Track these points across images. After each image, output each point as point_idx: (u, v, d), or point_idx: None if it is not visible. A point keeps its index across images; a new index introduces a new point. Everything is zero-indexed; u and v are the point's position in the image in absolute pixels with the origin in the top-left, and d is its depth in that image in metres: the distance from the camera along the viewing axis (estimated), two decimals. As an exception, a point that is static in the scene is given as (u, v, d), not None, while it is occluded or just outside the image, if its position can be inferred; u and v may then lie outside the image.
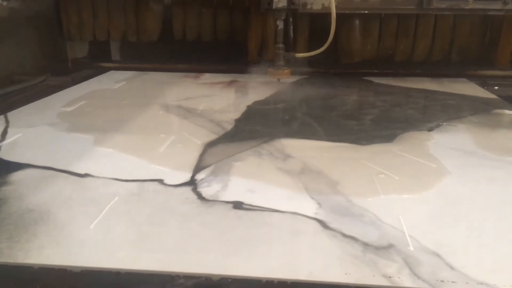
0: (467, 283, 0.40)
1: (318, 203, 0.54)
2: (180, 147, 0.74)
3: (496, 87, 1.24)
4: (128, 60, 1.57)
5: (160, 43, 1.46)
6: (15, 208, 0.53)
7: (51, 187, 0.58)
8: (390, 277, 0.40)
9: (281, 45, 1.17)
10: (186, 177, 0.62)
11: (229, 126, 0.85)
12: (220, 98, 1.09)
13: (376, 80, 1.31)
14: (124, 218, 0.51)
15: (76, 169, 0.64)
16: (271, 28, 1.33)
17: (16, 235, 0.47)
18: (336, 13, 1.09)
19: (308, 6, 1.18)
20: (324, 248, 0.45)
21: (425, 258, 0.43)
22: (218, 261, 0.43)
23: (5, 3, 1.14)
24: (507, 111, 0.96)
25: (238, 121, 0.89)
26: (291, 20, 1.27)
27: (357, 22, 1.31)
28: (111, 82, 1.27)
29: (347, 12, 1.19)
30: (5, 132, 0.81)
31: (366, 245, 0.45)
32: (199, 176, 0.62)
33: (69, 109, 0.98)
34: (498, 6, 1.13)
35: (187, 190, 0.58)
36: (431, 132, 0.82)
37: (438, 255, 0.43)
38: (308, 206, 0.53)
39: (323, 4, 1.17)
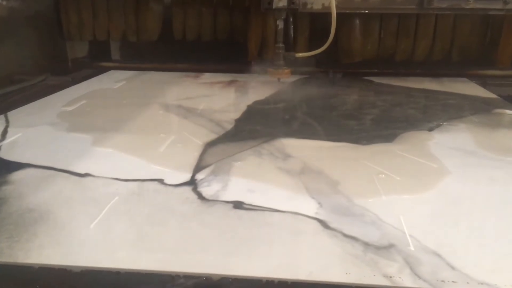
0: (467, 283, 0.40)
1: (319, 203, 0.54)
2: (180, 146, 0.74)
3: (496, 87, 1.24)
4: (128, 59, 1.57)
5: (160, 43, 1.46)
6: (15, 208, 0.53)
7: (51, 187, 0.58)
8: (390, 277, 0.40)
9: (281, 45, 1.17)
10: (186, 176, 0.62)
11: (229, 126, 0.85)
12: (220, 98, 1.09)
13: (377, 79, 1.31)
14: (124, 218, 0.51)
15: (76, 169, 0.64)
16: (271, 27, 1.33)
17: (16, 235, 0.47)
18: (337, 13, 1.09)
19: (308, 6, 1.18)
20: (325, 248, 0.45)
21: (426, 258, 0.43)
22: (218, 261, 0.43)
23: (4, 3, 1.14)
24: (507, 111, 0.96)
25: (238, 120, 0.89)
26: (291, 19, 1.26)
27: (357, 21, 1.31)
28: (111, 82, 1.27)
29: (347, 11, 1.19)
30: (5, 131, 0.81)
31: (366, 245, 0.45)
32: (199, 176, 0.62)
33: (69, 108, 0.98)
34: (498, 5, 1.13)
35: (187, 190, 0.58)
36: (431, 132, 0.82)
37: (438, 255, 0.43)
38: (309, 206, 0.53)
39: (323, 4, 1.17)
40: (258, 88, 1.20)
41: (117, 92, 1.16)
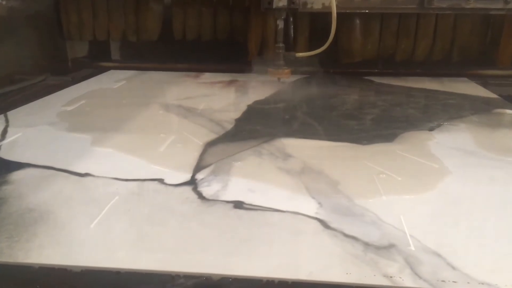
0: (468, 283, 0.40)
1: (319, 203, 0.54)
2: (180, 146, 0.74)
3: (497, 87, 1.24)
4: (128, 59, 1.56)
5: (160, 43, 1.45)
6: (15, 208, 0.53)
7: (51, 187, 0.58)
8: (391, 277, 0.40)
9: (281, 45, 1.17)
10: (186, 176, 0.62)
11: (229, 126, 0.85)
12: (220, 98, 1.09)
13: (377, 79, 1.31)
14: (124, 218, 0.51)
15: (76, 169, 0.64)
16: (271, 27, 1.33)
17: (16, 235, 0.47)
18: (337, 13, 1.09)
19: (309, 6, 1.18)
20: (325, 247, 0.45)
21: (426, 258, 0.43)
22: (218, 260, 0.43)
23: (4, 2, 1.14)
24: (508, 111, 0.96)
25: (238, 120, 0.89)
26: (291, 19, 1.26)
27: (357, 21, 1.31)
28: (111, 82, 1.27)
29: (347, 11, 1.18)
30: (5, 131, 0.81)
31: (367, 244, 0.45)
32: (199, 175, 0.62)
33: (69, 108, 0.98)
34: (499, 5, 1.13)
35: (187, 189, 0.58)
36: (432, 132, 0.82)
37: (439, 255, 0.43)
38: (309, 206, 0.53)
39: (323, 4, 1.17)
40: (258, 88, 1.20)
41: (117, 92, 1.16)
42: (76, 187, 0.58)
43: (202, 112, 0.94)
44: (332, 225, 0.49)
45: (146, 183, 0.59)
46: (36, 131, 0.81)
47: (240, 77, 1.33)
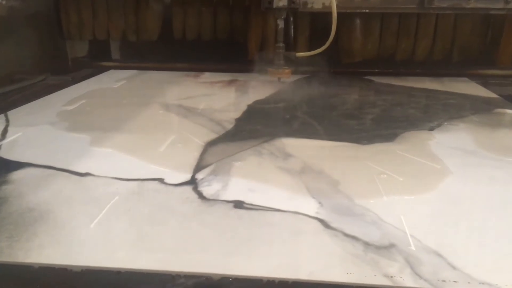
0: (468, 282, 0.40)
1: (319, 203, 0.54)
2: (180, 146, 0.74)
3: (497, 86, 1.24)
4: (128, 59, 1.56)
5: (160, 42, 1.45)
6: (15, 207, 0.53)
7: (52, 186, 0.58)
8: (391, 276, 0.40)
9: (281, 44, 1.17)
10: (187, 176, 0.61)
11: (229, 125, 0.85)
12: (221, 97, 1.09)
13: (377, 79, 1.31)
14: (124, 217, 0.51)
15: (77, 168, 0.64)
16: (271, 27, 1.33)
17: (16, 234, 0.47)
18: (337, 12, 1.09)
19: (309, 5, 1.18)
20: (325, 247, 0.45)
21: (427, 258, 0.43)
22: (218, 260, 0.43)
23: (4, 2, 1.14)
24: (508, 111, 0.96)
25: (238, 120, 0.89)
26: (291, 19, 1.26)
27: (358, 21, 1.31)
28: (111, 81, 1.27)
29: (348, 11, 1.18)
30: (5, 131, 0.81)
31: (367, 244, 0.45)
32: (200, 175, 0.62)
33: (69, 108, 0.97)
34: (499, 5, 1.13)
35: (188, 189, 0.58)
36: (432, 132, 0.81)
37: (439, 255, 0.43)
38: (309, 206, 0.53)
39: (323, 3, 1.16)
40: (259, 87, 1.20)
41: (117, 91, 1.16)
42: (76, 187, 0.58)
43: (202, 111, 0.94)
44: (333, 224, 0.49)
45: (146, 182, 0.59)
46: (36, 131, 0.81)
47: (240, 76, 1.33)
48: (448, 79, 1.30)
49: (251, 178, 0.61)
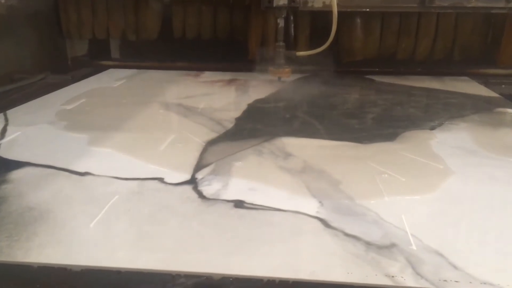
0: (470, 282, 0.39)
1: (320, 202, 0.54)
2: (180, 145, 0.74)
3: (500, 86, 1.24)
4: (127, 58, 1.56)
5: (159, 41, 1.45)
6: (15, 207, 0.52)
7: (51, 186, 0.58)
8: (393, 276, 0.40)
9: (282, 44, 1.16)
10: (187, 176, 0.61)
11: (229, 125, 0.84)
12: (221, 97, 1.09)
13: (378, 78, 1.30)
14: (124, 217, 0.50)
15: (76, 168, 0.64)
16: (271, 26, 1.32)
17: (16, 234, 0.47)
18: (338, 11, 1.09)
19: (309, 4, 1.17)
20: (326, 247, 0.45)
21: (428, 258, 0.43)
22: (219, 260, 0.43)
23: (4, 1, 1.14)
24: (509, 110, 0.96)
25: (238, 119, 0.88)
26: (292, 18, 1.26)
27: (358, 20, 1.30)
28: (111, 80, 1.26)
29: (348, 10, 1.18)
30: (4, 130, 0.81)
31: (368, 244, 0.45)
32: (200, 175, 0.62)
33: (68, 107, 0.97)
34: (501, 4, 1.13)
35: (188, 189, 0.57)
36: (433, 131, 0.81)
37: (441, 255, 0.43)
38: (310, 205, 0.53)
39: (324, 2, 1.16)
40: (259, 86, 1.19)
41: (117, 90, 1.16)
42: (76, 186, 0.58)
43: (202, 111, 0.94)
44: (333, 224, 0.49)
45: (146, 182, 0.59)
46: (36, 130, 0.81)
47: (240, 76, 1.33)
48: (449, 78, 1.30)
49: (251, 177, 0.61)
